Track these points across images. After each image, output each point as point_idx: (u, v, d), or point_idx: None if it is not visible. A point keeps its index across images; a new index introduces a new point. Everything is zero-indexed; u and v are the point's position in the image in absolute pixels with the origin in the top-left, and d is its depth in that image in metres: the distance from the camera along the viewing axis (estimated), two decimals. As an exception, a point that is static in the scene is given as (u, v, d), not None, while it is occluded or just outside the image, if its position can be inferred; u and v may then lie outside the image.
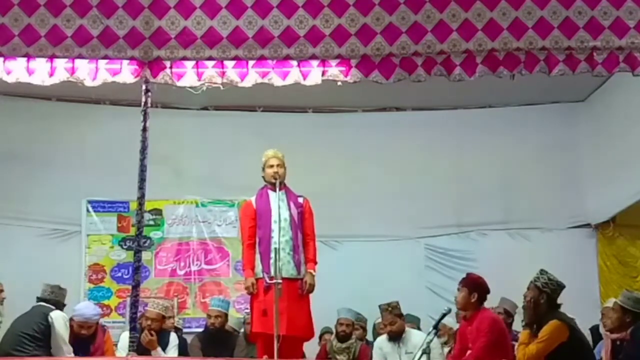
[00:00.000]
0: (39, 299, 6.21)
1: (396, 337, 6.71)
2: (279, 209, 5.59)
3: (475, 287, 5.72)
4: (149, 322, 6.43)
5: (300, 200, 5.86)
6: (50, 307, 6.08)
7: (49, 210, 8.79)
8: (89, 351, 6.36)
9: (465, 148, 9.31)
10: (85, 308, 6.55)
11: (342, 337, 7.31)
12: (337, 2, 5.06)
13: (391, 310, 6.69)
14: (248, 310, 7.35)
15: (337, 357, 7.25)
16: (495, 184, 9.24)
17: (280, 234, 5.53)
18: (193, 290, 8.88)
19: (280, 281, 5.27)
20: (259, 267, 5.61)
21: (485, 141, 9.31)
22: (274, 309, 5.23)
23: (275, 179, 5.70)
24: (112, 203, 8.96)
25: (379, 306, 6.93)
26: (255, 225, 5.73)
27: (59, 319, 5.97)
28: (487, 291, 5.77)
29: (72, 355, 6.01)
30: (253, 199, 5.84)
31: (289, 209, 5.69)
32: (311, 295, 5.70)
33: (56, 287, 6.26)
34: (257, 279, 5.64)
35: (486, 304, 6.09)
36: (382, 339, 6.89)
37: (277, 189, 5.66)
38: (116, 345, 6.82)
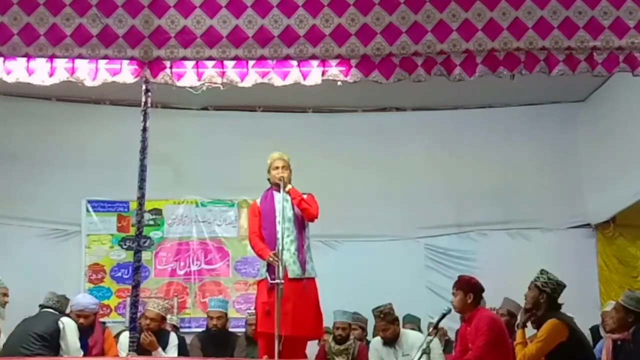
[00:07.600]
0: (44, 306, 6.20)
1: (391, 342, 6.70)
2: (283, 210, 5.59)
3: (469, 288, 5.74)
4: (147, 322, 6.44)
5: (305, 197, 5.82)
6: (58, 314, 6.12)
7: (49, 210, 8.79)
8: (87, 344, 6.37)
9: (465, 148, 9.30)
10: (82, 298, 6.65)
11: (339, 340, 7.30)
12: (337, 1, 5.04)
13: (383, 317, 6.67)
14: (250, 311, 7.38)
15: (336, 358, 7.24)
16: (495, 184, 9.23)
17: (285, 235, 5.54)
18: (193, 290, 8.88)
19: (282, 281, 5.28)
20: (263, 268, 5.62)
21: (485, 141, 9.30)
22: (276, 309, 5.24)
23: (281, 180, 5.70)
24: (112, 203, 8.96)
25: (372, 311, 6.92)
26: (262, 225, 5.74)
27: (69, 324, 6.02)
28: (482, 290, 5.79)
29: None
30: (258, 200, 5.87)
31: (293, 209, 5.70)
32: (319, 295, 5.70)
33: (62, 296, 6.30)
34: (260, 280, 5.68)
35: (488, 305, 6.08)
36: (377, 341, 6.87)
37: (282, 190, 5.66)
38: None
